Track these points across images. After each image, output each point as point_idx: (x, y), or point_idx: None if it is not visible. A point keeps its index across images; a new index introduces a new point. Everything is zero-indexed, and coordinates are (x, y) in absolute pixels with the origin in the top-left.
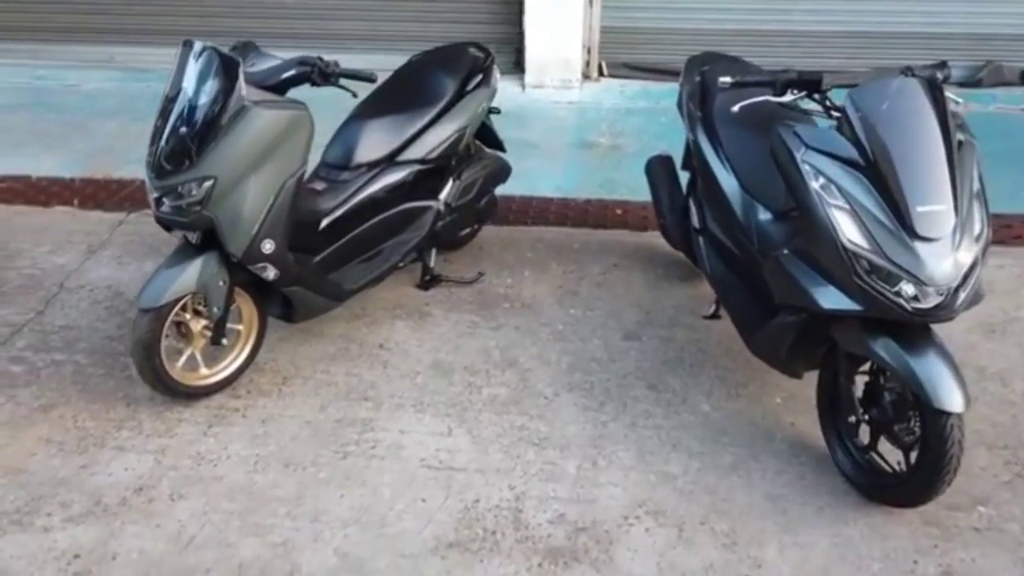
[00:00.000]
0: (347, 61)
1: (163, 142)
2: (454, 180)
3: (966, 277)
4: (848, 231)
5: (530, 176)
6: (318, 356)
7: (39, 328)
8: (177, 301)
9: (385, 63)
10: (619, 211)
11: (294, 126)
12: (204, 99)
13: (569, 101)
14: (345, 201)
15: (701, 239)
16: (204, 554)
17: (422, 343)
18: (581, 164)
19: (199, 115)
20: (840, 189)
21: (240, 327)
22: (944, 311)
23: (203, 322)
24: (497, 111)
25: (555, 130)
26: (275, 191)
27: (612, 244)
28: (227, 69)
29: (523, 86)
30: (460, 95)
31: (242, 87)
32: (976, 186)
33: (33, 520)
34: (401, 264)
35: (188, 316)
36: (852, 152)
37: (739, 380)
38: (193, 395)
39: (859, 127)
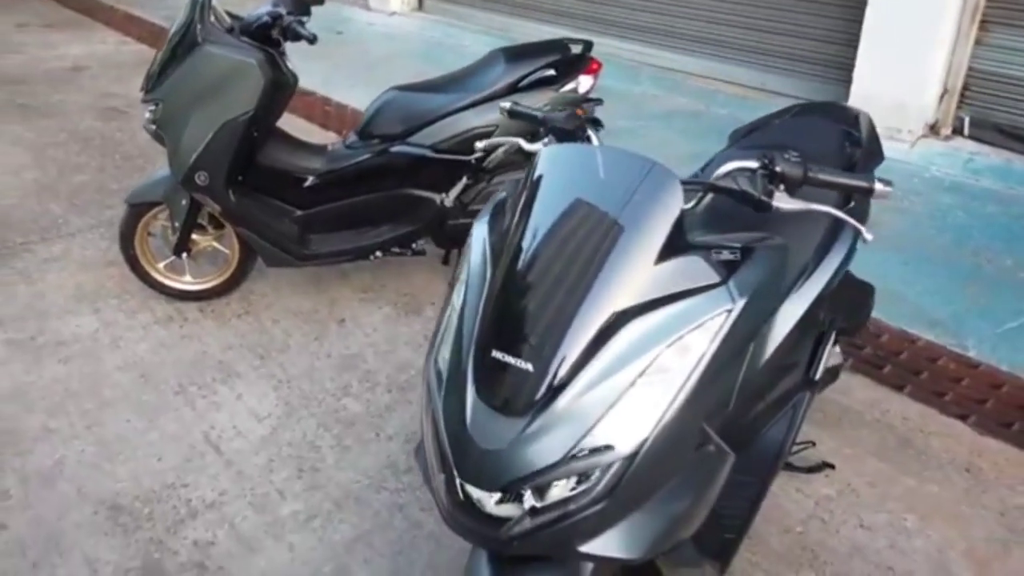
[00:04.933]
0: (675, 61)
1: (151, 65)
2: (475, 180)
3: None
4: (442, 346)
5: None
6: (284, 310)
7: None
8: (148, 205)
9: (713, 70)
10: None
11: (238, 72)
12: (177, 31)
13: (888, 157)
14: (338, 167)
15: None
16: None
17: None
18: None
19: (170, 45)
20: (467, 283)
21: (228, 252)
22: (483, 525)
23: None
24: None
25: None
26: (214, 128)
27: None
28: (199, 6)
29: None
30: (511, 90)
31: (198, 24)
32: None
33: None
34: (398, 251)
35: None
36: (501, 234)
37: None
38: (167, 293)
39: (522, 203)
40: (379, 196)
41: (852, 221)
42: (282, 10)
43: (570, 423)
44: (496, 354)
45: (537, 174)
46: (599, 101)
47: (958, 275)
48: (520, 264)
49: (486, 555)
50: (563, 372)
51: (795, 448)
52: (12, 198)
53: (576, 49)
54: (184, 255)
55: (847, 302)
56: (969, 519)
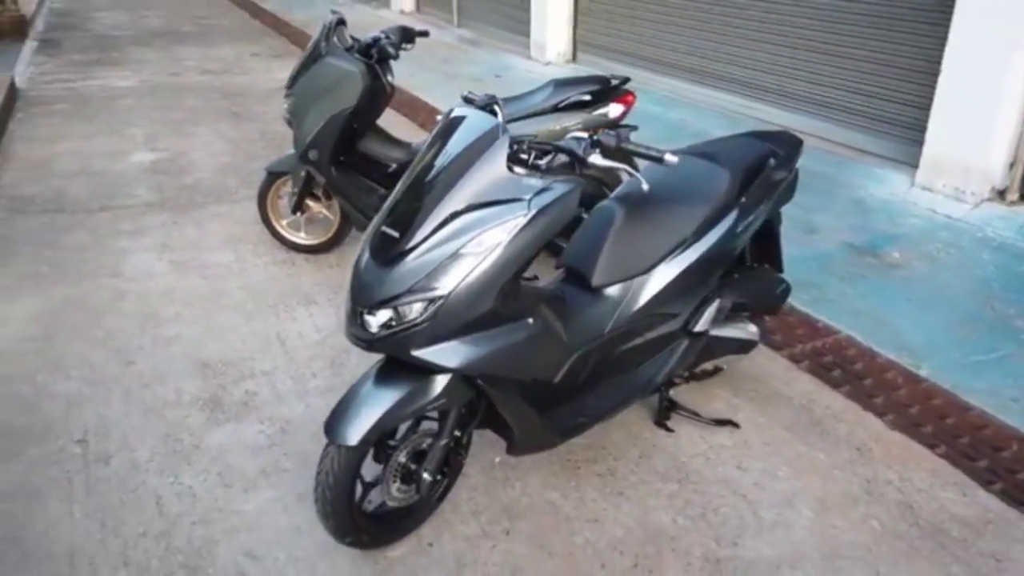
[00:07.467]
0: (775, 115)
1: (292, 71)
2: None
3: (394, 312)
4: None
5: None
6: None
7: None
8: (280, 173)
9: (807, 125)
10: None
11: (345, 78)
12: (310, 47)
13: (947, 215)
14: (411, 156)
15: None
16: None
17: None
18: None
19: (304, 56)
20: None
21: (333, 219)
22: (361, 331)
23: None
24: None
25: (860, 229)
26: (325, 118)
27: None
28: (329, 29)
29: (912, 182)
30: (553, 110)
31: (323, 43)
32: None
33: None
34: None
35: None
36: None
37: None
38: (286, 244)
39: (431, 137)
40: None
41: (636, 174)
42: (382, 36)
43: (414, 270)
44: (384, 228)
45: (445, 120)
46: (633, 127)
47: (955, 316)
48: (417, 177)
49: (377, 366)
50: (417, 240)
51: (674, 383)
52: (206, 172)
53: (614, 82)
54: (299, 214)
55: (756, 287)
56: (835, 479)
